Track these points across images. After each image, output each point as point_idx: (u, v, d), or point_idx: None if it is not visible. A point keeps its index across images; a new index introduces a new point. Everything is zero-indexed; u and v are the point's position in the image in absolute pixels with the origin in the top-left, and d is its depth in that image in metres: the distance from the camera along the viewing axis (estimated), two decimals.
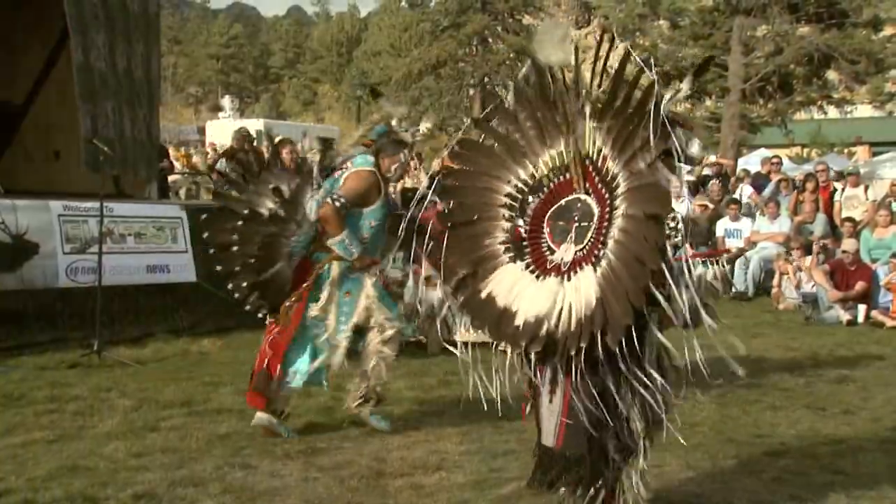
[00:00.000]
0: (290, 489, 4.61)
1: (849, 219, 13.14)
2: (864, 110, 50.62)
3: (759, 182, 16.76)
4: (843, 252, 11.71)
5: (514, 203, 3.97)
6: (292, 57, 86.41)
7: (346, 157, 5.89)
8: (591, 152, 3.85)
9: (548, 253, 3.87)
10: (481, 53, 37.99)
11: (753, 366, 7.90)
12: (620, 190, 3.70)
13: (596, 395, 3.70)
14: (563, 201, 3.92)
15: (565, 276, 3.74)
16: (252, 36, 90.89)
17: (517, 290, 3.83)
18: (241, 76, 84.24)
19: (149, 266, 8.61)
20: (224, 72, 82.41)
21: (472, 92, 38.46)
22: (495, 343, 3.95)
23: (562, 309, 3.66)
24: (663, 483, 4.73)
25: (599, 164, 3.81)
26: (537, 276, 3.82)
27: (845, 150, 37.46)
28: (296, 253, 5.63)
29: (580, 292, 3.65)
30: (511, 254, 3.91)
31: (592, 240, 3.75)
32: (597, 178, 3.83)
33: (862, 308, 11.20)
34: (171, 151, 18.36)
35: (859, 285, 11.23)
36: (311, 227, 5.65)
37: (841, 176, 16.06)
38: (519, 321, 3.75)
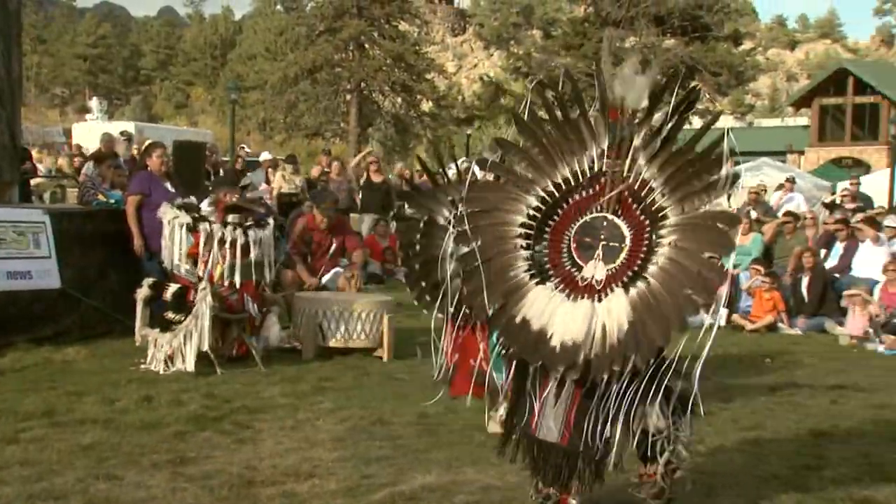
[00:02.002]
0: (157, 500, 4.48)
1: None
2: (725, 121, 52.64)
3: None
4: None
5: (529, 231, 4.09)
6: (164, 58, 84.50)
7: None
8: (629, 178, 4.00)
9: (574, 270, 4.01)
10: (358, 58, 37.94)
11: None
12: (669, 222, 3.90)
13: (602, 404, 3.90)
14: (587, 218, 4.06)
15: (597, 298, 3.91)
16: (121, 36, 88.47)
17: (549, 310, 3.95)
18: (109, 77, 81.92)
19: (9, 272, 8.25)
20: (92, 72, 79.99)
21: (348, 97, 38.40)
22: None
23: (595, 332, 3.83)
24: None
25: (642, 193, 3.97)
26: (569, 296, 3.96)
27: None
28: None
29: (612, 315, 3.84)
30: (537, 278, 4.02)
31: (624, 261, 3.93)
32: (635, 205, 3.99)
33: (724, 312, 11.63)
34: (35, 154, 17.67)
35: (721, 290, 11.64)
36: None
37: None
38: (555, 343, 3.88)
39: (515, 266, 4.06)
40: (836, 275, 12.42)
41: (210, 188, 9.30)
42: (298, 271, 9.30)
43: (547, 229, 4.10)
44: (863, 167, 41.68)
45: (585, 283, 3.97)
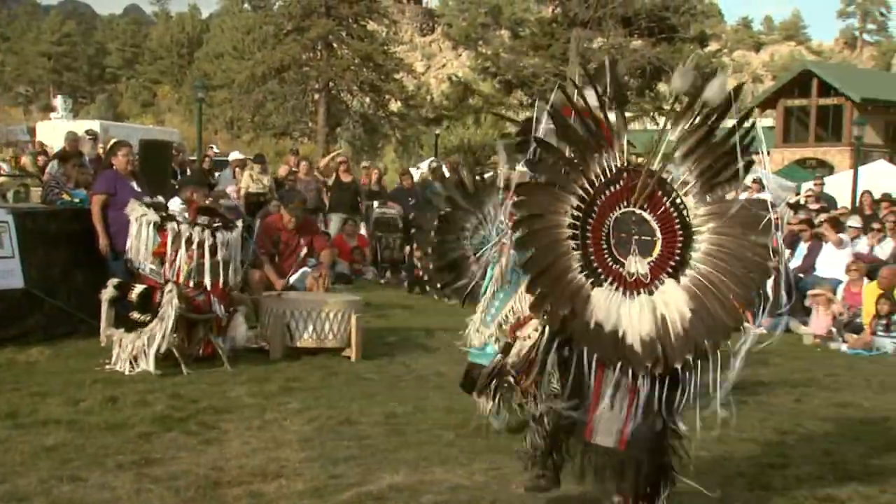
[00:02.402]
0: (122, 502, 4.45)
1: None
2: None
3: None
4: None
5: (576, 232, 4.04)
6: (130, 57, 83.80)
7: None
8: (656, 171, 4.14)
9: (616, 266, 4.05)
10: (326, 58, 37.80)
11: None
12: (700, 212, 4.10)
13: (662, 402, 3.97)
14: (617, 214, 4.11)
15: (649, 291, 4.02)
16: (86, 34, 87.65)
17: (614, 310, 3.97)
18: (74, 75, 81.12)
19: None
20: (56, 70, 79.17)
21: (316, 97, 38.28)
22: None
23: (661, 325, 3.94)
24: (502, 485, 4.82)
25: (669, 185, 4.14)
26: (625, 293, 4.01)
27: None
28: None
29: (670, 306, 3.98)
30: (591, 279, 4.01)
31: (661, 253, 4.08)
32: (665, 199, 4.13)
33: None
34: None
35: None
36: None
37: None
38: (631, 341, 3.92)
39: (573, 269, 4.01)
40: (801, 275, 12.56)
41: (176, 187, 9.24)
42: (266, 272, 9.27)
43: (588, 228, 4.08)
44: (826, 168, 42.16)
45: (633, 278, 4.04)
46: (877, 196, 16.07)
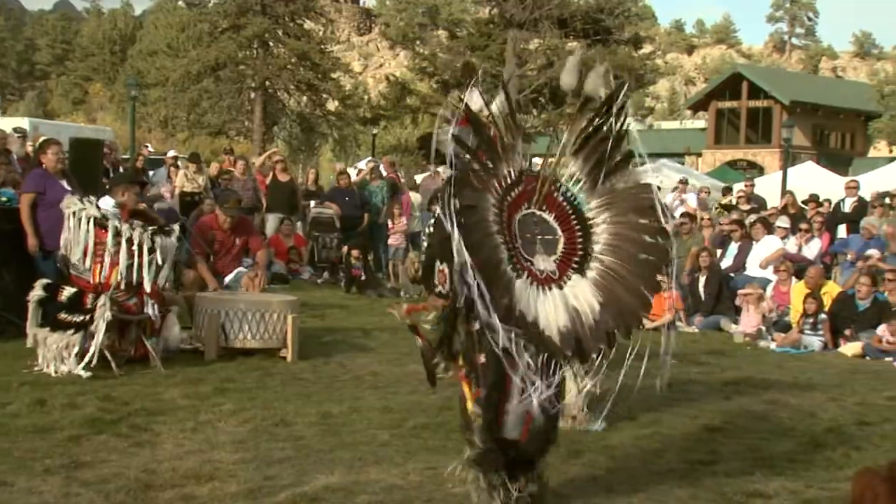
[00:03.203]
0: None
1: None
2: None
3: None
4: None
5: (499, 226, 4.14)
6: (60, 53, 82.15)
7: None
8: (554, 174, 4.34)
9: (529, 264, 4.17)
10: (262, 56, 37.47)
11: None
12: (593, 204, 4.32)
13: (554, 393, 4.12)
14: (519, 216, 4.24)
15: (559, 286, 4.16)
16: (15, 30, 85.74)
17: (532, 303, 4.08)
18: (2, 72, 79.31)
19: None
20: None
21: (252, 95, 37.93)
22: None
23: (574, 317, 4.09)
24: (437, 484, 4.83)
25: (563, 183, 4.34)
26: (539, 288, 4.13)
27: None
28: None
29: (581, 299, 4.14)
30: (514, 272, 4.10)
31: (565, 250, 4.25)
32: (561, 198, 4.33)
33: None
34: None
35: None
36: None
37: None
38: (551, 333, 4.05)
39: (504, 261, 4.11)
40: (731, 274, 12.81)
41: (107, 186, 9.09)
42: (200, 271, 9.16)
43: (504, 227, 4.17)
44: (756, 169, 43.02)
45: (544, 274, 4.17)
46: (805, 197, 16.44)
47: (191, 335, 8.36)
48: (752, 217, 14.38)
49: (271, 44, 38.06)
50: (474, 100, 4.24)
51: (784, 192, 18.75)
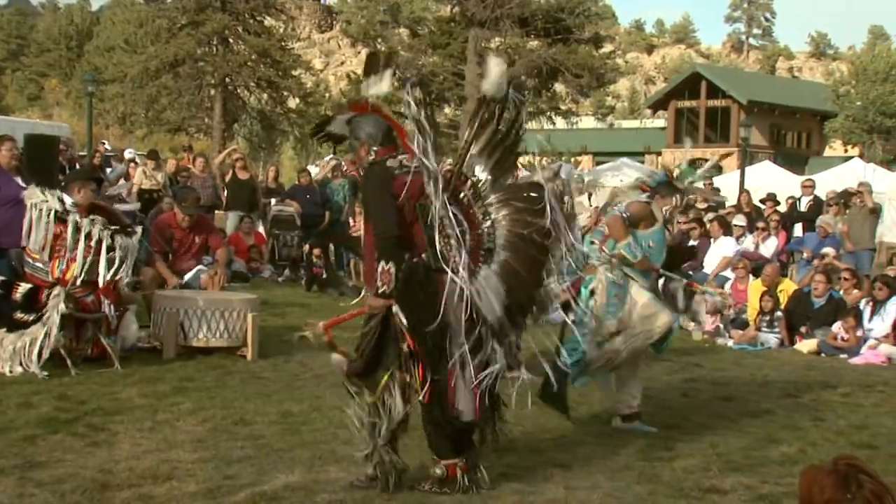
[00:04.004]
0: None
1: None
2: (588, 122, 54.02)
3: None
4: None
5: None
6: (15, 49, 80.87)
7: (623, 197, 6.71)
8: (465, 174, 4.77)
9: (448, 255, 4.55)
10: (222, 53, 37.15)
11: None
12: (493, 199, 4.73)
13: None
14: (434, 210, 4.56)
15: (475, 275, 4.58)
16: None
17: (458, 292, 4.51)
18: None
19: None
20: None
21: (212, 92, 37.62)
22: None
23: (490, 303, 4.55)
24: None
25: (470, 181, 4.76)
26: (461, 276, 4.52)
27: (572, 160, 39.80)
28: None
29: (490, 287, 4.58)
30: (440, 265, 4.52)
31: (473, 243, 4.65)
32: (465, 195, 4.74)
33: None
34: None
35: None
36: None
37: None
38: (481, 317, 4.54)
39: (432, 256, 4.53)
40: (690, 272, 12.91)
41: (63, 183, 8.96)
42: (159, 269, 9.07)
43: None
44: (715, 168, 43.43)
45: (459, 265, 4.52)
46: (763, 196, 16.62)
47: (149, 334, 8.28)
48: (710, 215, 14.51)
49: (231, 40, 37.73)
50: (381, 88, 4.60)
51: (742, 190, 18.95)
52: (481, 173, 4.76)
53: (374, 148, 4.76)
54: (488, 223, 4.70)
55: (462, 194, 4.72)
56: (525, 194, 4.73)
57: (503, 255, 4.65)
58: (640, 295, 6.33)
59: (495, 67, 4.66)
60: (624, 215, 6.58)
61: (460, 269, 4.50)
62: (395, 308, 4.50)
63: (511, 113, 4.73)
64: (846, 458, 2.51)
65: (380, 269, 4.50)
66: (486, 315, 4.54)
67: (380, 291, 4.53)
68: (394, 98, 5.07)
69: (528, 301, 4.73)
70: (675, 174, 6.92)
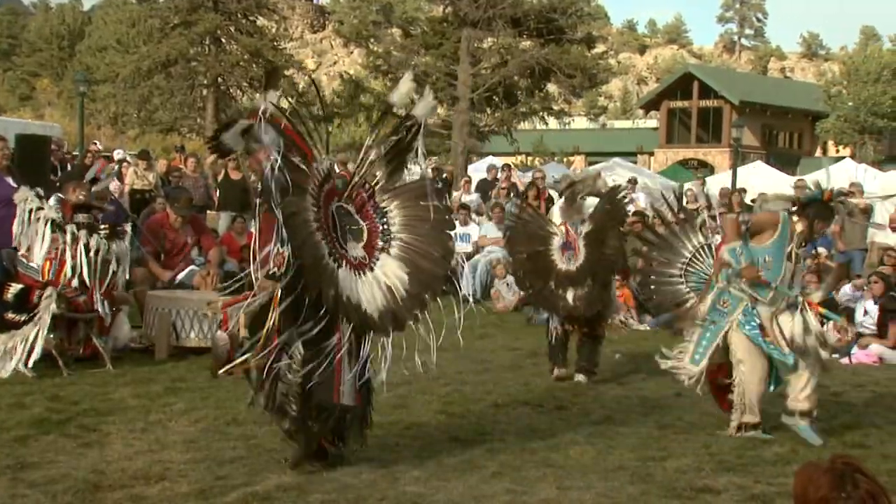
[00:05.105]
0: None
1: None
2: (580, 122, 54.06)
3: (485, 188, 17.47)
4: None
5: (318, 224, 4.76)
6: (7, 48, 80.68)
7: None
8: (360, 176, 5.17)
9: (343, 251, 4.86)
10: (214, 53, 37.09)
11: (479, 366, 8.24)
12: (387, 196, 5.14)
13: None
14: (331, 210, 4.90)
15: (371, 269, 4.90)
16: None
17: (354, 288, 4.79)
18: None
19: None
20: None
21: (205, 92, 37.56)
22: None
23: (388, 293, 4.84)
24: (390, 483, 4.84)
25: (366, 181, 5.16)
26: (356, 273, 4.85)
27: (565, 160, 39.89)
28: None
29: (390, 276, 4.90)
30: (336, 263, 4.77)
31: (370, 235, 4.99)
32: (362, 192, 5.12)
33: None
34: None
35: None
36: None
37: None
38: (372, 312, 4.80)
39: (325, 256, 4.73)
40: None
41: (57, 183, 8.95)
42: (151, 267, 9.05)
43: (320, 222, 4.79)
44: (707, 168, 43.51)
45: (357, 261, 4.88)
46: (754, 196, 16.63)
47: (141, 334, 8.27)
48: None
49: (223, 40, 37.66)
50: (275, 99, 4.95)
51: (734, 190, 18.98)
52: (379, 174, 5.16)
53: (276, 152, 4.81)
54: (383, 216, 5.10)
55: (356, 194, 5.11)
56: (415, 186, 5.20)
57: (402, 237, 5.03)
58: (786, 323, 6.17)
59: (405, 84, 5.20)
60: (742, 219, 6.32)
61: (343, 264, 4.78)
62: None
63: (412, 130, 5.09)
64: (843, 457, 2.50)
65: (274, 252, 4.76)
66: (366, 307, 4.78)
67: (270, 273, 4.80)
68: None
69: (434, 278, 5.00)
70: (832, 193, 6.24)
